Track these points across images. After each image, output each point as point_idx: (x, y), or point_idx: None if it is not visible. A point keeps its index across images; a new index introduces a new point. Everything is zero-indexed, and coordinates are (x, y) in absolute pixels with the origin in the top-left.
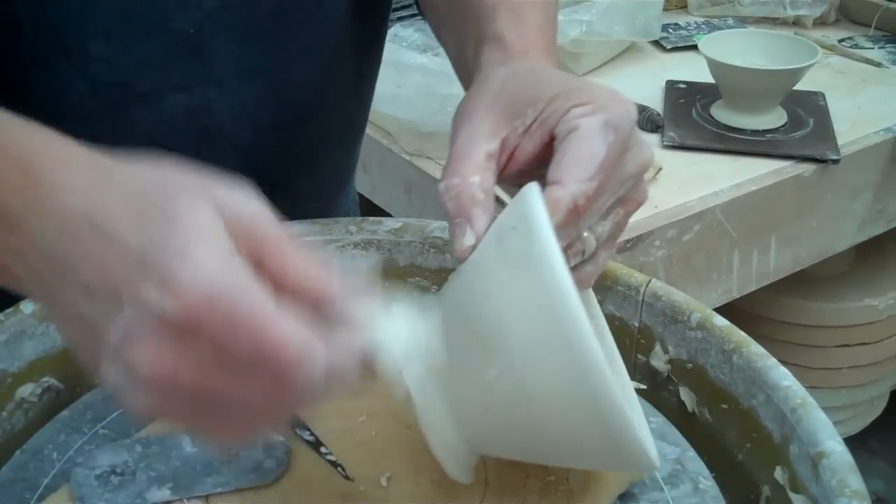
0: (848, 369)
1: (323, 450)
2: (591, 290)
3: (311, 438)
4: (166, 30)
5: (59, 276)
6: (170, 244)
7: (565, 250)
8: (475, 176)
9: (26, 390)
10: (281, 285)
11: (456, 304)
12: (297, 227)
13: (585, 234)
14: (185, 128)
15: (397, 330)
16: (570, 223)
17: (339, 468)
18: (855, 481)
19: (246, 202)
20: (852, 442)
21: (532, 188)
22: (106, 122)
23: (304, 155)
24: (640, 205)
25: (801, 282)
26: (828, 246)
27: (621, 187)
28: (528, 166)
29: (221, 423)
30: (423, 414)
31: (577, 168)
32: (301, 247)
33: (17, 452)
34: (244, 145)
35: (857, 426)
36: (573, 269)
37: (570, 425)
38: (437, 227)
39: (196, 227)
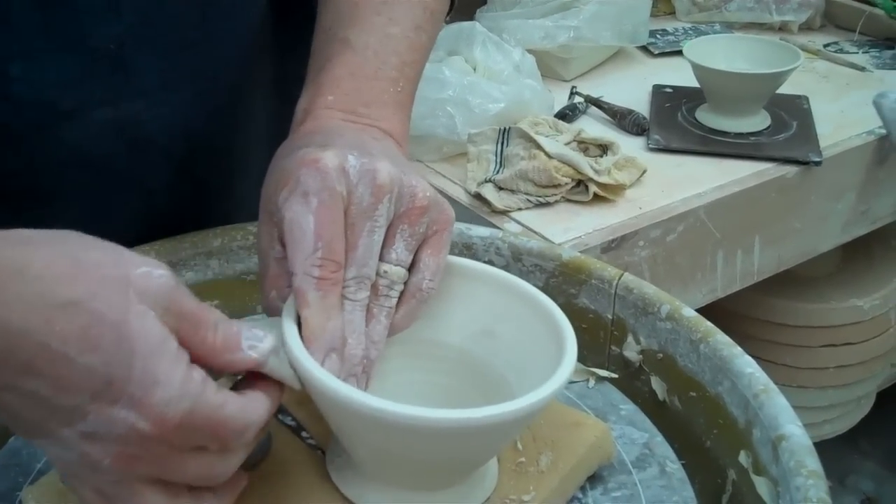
0: (834, 369)
1: (304, 434)
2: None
3: (292, 423)
4: (85, 47)
5: None
6: (134, 370)
7: (372, 299)
8: (272, 291)
9: None
10: (197, 354)
11: None
12: (238, 230)
13: (384, 269)
14: (113, 140)
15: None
16: (330, 291)
17: (320, 451)
18: (812, 462)
19: (160, 280)
20: (842, 443)
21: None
22: (32, 141)
23: (240, 159)
24: (423, 209)
25: (788, 282)
26: (812, 246)
27: (373, 218)
28: None
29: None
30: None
31: (297, 252)
32: (208, 313)
33: (11, 440)
34: (178, 154)
35: (844, 425)
36: (402, 293)
37: (457, 450)
38: None
39: (151, 347)
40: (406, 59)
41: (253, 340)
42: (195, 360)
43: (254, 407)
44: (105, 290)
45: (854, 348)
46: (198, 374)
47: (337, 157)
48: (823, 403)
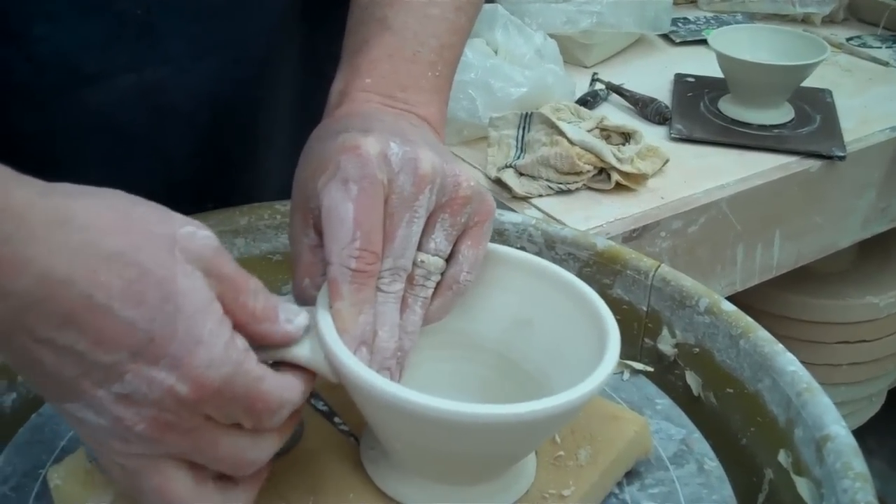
0: (847, 366)
1: (336, 420)
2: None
3: (324, 409)
4: (111, 11)
5: (32, 334)
6: (178, 329)
7: (407, 289)
8: (305, 279)
9: None
10: (237, 321)
11: None
12: (265, 208)
13: (421, 259)
14: (137, 107)
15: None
16: (364, 284)
17: (353, 438)
18: (859, 464)
19: (204, 241)
20: None
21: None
22: (54, 105)
23: (265, 132)
24: (466, 200)
25: (804, 278)
26: (831, 242)
27: (413, 208)
28: None
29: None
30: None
31: (335, 241)
32: (249, 280)
33: (34, 416)
34: (202, 124)
35: (854, 423)
36: (438, 284)
37: (497, 446)
38: None
39: (196, 306)
40: (445, 41)
41: (289, 314)
42: (234, 326)
43: (290, 386)
44: (152, 246)
45: (868, 346)
46: (241, 341)
47: (379, 143)
48: (834, 400)
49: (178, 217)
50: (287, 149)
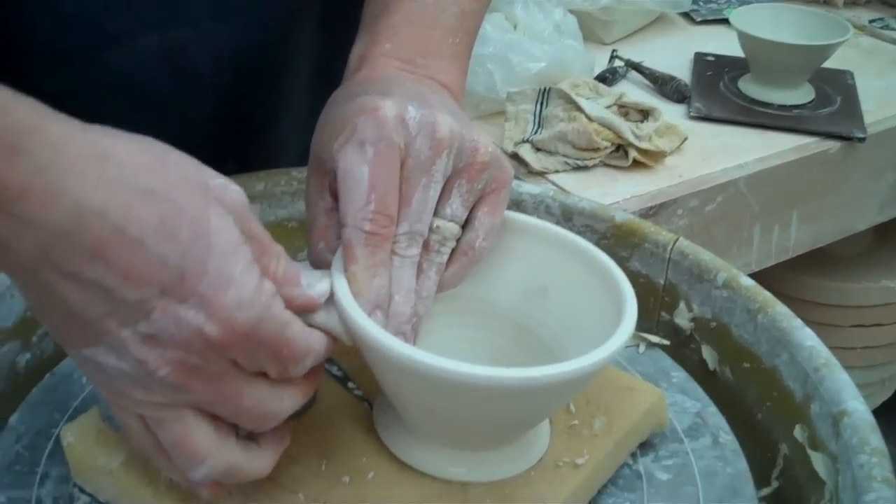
0: (862, 349)
1: (350, 385)
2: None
3: (338, 373)
4: None
5: (59, 269)
6: (209, 266)
7: (423, 254)
8: (320, 242)
9: None
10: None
11: None
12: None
13: (437, 224)
14: (159, 67)
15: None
16: (378, 247)
17: (366, 403)
18: (875, 439)
19: (236, 194)
20: None
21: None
22: (77, 63)
23: (285, 97)
24: (484, 165)
25: (819, 260)
26: (848, 225)
27: (430, 172)
28: None
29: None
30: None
31: (349, 203)
32: (273, 244)
33: (47, 376)
34: (223, 87)
35: None
36: (454, 251)
37: (510, 410)
38: None
39: (228, 246)
40: (465, 8)
41: (311, 280)
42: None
43: (315, 335)
44: (186, 187)
45: (883, 330)
46: (269, 286)
47: (396, 106)
48: None
49: (210, 170)
50: (306, 115)
